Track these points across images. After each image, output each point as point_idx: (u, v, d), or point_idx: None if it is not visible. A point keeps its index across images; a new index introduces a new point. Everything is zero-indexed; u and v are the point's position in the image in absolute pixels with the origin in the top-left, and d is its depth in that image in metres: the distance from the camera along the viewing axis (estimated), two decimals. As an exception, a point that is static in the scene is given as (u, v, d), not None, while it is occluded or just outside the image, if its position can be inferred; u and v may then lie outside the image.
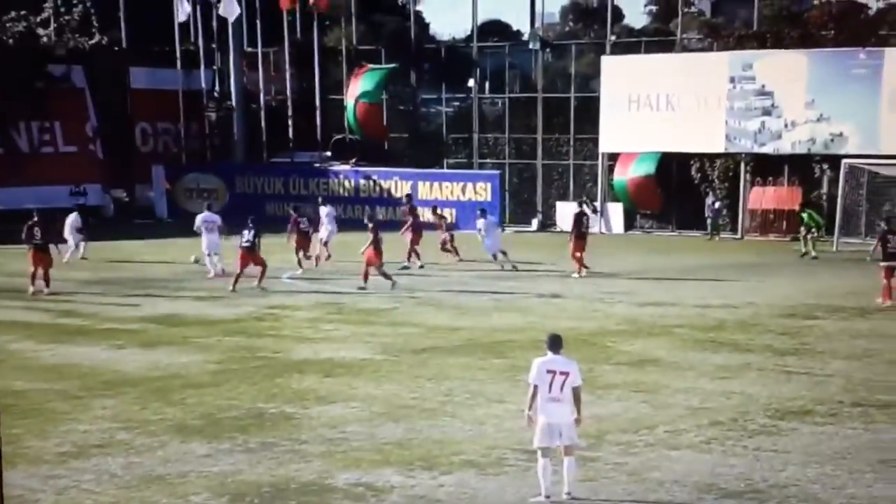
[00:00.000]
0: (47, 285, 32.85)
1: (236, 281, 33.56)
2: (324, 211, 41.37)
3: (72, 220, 41.46)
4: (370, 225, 33.94)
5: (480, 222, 39.12)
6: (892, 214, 40.09)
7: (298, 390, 20.49)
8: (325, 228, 40.47)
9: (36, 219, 33.41)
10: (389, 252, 34.73)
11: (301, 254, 38.34)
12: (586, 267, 37.01)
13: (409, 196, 46.27)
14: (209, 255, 37.10)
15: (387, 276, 33.41)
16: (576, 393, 14.26)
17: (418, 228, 40.16)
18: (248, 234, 33.73)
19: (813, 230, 43.93)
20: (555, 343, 14.48)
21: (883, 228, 33.40)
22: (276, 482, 15.01)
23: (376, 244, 33.42)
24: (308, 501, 14.28)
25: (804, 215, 44.48)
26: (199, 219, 37.82)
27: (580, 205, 41.05)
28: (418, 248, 39.27)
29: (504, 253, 38.51)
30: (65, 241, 37.28)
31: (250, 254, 33.73)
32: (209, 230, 37.02)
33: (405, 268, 37.72)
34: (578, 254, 37.13)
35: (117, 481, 15.05)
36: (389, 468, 15.62)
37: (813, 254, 42.71)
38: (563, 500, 14.21)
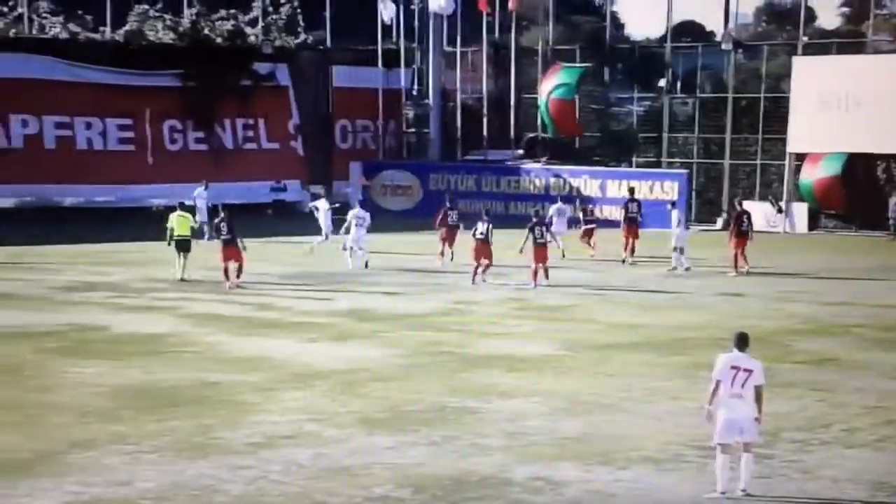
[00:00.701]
0: (238, 276, 33.04)
1: (475, 273, 33.89)
2: (554, 208, 41.53)
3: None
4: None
5: (675, 214, 38.54)
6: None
7: (481, 385, 20.58)
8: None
9: (223, 215, 33.86)
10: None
11: (445, 246, 38.74)
12: (744, 266, 36.61)
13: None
14: (353, 248, 37.58)
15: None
16: (758, 391, 14.12)
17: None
18: (481, 227, 34.19)
19: None
20: (741, 341, 14.38)
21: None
22: (457, 475, 15.08)
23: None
24: (487, 494, 14.33)
25: None
26: (350, 214, 38.31)
27: (740, 204, 40.63)
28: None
29: (682, 251, 37.98)
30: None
31: (484, 246, 34.08)
32: (359, 225, 37.61)
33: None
34: (735, 252, 36.85)
35: (304, 472, 15.23)
36: (567, 462, 15.63)
37: None
38: (739, 497, 14.09)
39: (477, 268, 34.07)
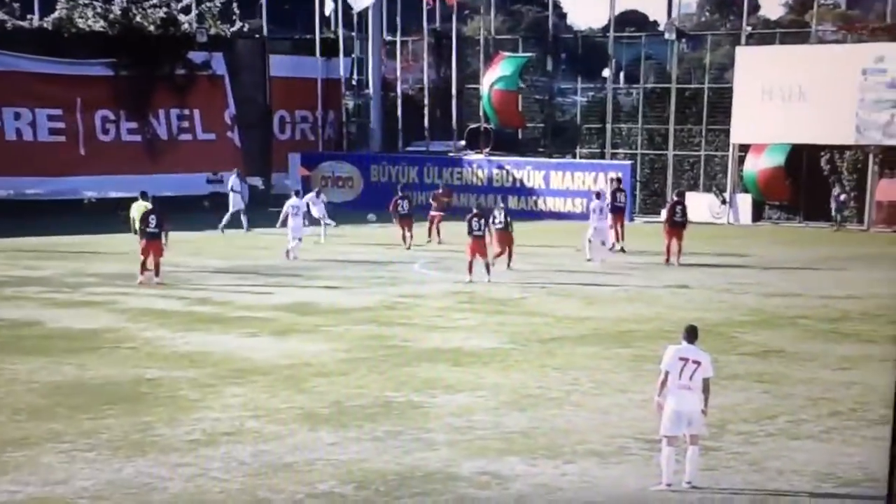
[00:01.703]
0: (156, 274, 32.49)
1: (489, 265, 33.64)
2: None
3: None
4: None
5: (594, 203, 38.61)
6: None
7: (426, 379, 20.63)
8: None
9: (151, 207, 33.62)
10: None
11: (405, 231, 40.54)
12: (674, 257, 37.21)
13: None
14: (292, 238, 37.95)
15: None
16: (705, 384, 14.32)
17: None
18: (499, 216, 34.88)
19: None
20: (691, 333, 14.63)
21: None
22: (402, 470, 15.18)
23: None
24: (433, 489, 14.43)
25: None
26: (287, 204, 38.74)
27: (677, 195, 41.21)
28: None
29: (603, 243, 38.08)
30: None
31: (505, 234, 34.93)
32: (294, 215, 37.96)
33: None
34: (668, 242, 37.41)
35: (245, 469, 15.24)
36: (514, 457, 15.76)
37: None
38: (684, 489, 14.27)
39: (497, 256, 34.48)
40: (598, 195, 39.43)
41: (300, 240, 38.01)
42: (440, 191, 45.80)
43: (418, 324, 26.60)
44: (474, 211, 34.18)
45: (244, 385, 20.20)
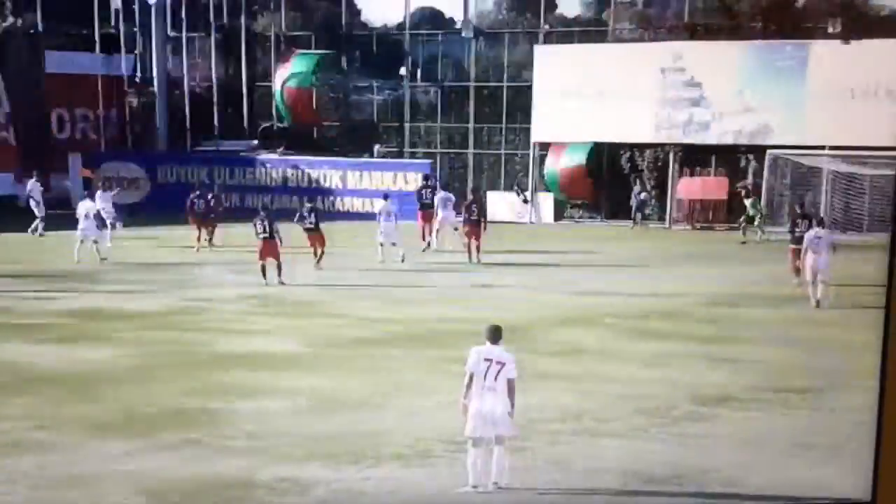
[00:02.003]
0: None
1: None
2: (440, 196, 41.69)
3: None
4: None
5: (381, 205, 38.67)
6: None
7: (222, 384, 20.35)
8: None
9: None
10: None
11: (201, 232, 40.37)
12: (475, 255, 37.71)
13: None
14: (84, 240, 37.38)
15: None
16: (510, 385, 14.38)
17: None
18: (309, 217, 35.31)
19: (756, 218, 45.21)
20: (494, 334, 14.69)
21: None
22: (198, 479, 14.96)
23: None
24: (231, 497, 14.29)
25: (748, 202, 46.50)
26: (80, 207, 38.08)
27: (473, 192, 42.18)
28: None
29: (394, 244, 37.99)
30: None
31: (315, 234, 35.47)
32: (86, 217, 37.33)
33: None
34: (468, 241, 37.94)
35: (30, 481, 14.86)
36: (315, 462, 15.64)
37: (757, 238, 44.56)
38: (491, 491, 14.34)
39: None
40: (386, 196, 39.73)
41: (96, 241, 37.26)
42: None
43: (213, 328, 26.22)
44: (261, 213, 33.98)
45: (29, 395, 19.65)
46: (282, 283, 32.28)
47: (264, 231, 32.80)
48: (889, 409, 3.80)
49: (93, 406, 18.90)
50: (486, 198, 44.30)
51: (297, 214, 36.33)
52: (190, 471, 15.32)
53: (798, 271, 31.31)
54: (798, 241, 31.77)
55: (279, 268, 32.73)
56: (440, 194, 41.69)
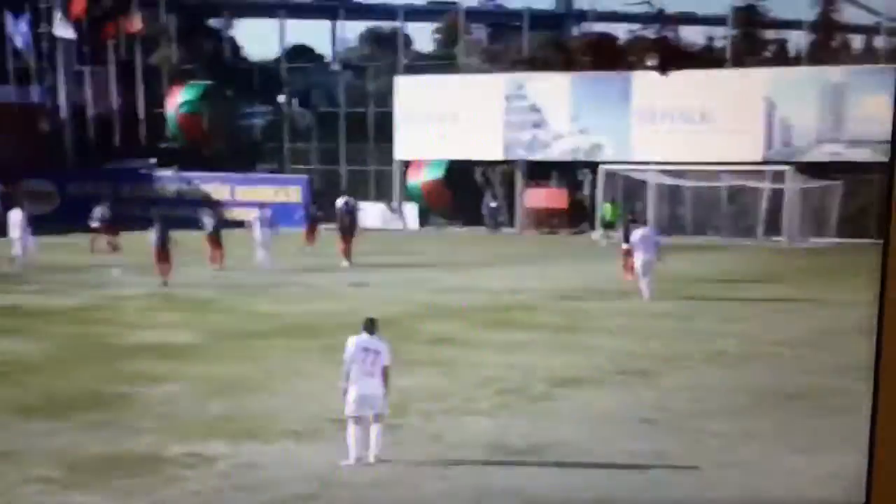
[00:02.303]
0: None
1: None
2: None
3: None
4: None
5: (257, 214, 37.99)
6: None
7: (132, 372, 19.88)
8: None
9: None
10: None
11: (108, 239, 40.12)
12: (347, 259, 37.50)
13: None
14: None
15: None
16: (385, 371, 14.24)
17: None
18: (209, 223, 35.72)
19: (616, 222, 45.70)
20: (370, 325, 14.50)
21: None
22: (113, 454, 14.59)
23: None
24: (143, 470, 13.90)
25: (608, 206, 47.58)
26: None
27: (345, 203, 41.59)
28: None
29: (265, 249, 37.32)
30: None
31: (215, 240, 35.57)
32: (14, 225, 36.71)
33: None
34: (343, 246, 37.90)
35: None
36: (217, 440, 15.28)
37: (604, 243, 44.66)
38: (371, 463, 14.16)
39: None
40: (261, 206, 39.59)
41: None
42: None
43: (122, 322, 25.72)
44: (155, 224, 33.28)
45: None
46: (164, 284, 31.74)
47: (158, 240, 32.26)
48: (883, 409, 3.54)
49: (17, 391, 18.43)
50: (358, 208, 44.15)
51: (201, 223, 35.83)
52: (105, 447, 14.93)
53: (631, 269, 31.52)
54: (629, 242, 32.08)
55: (169, 271, 32.21)
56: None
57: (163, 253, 32.20)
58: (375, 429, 14.30)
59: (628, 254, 31.92)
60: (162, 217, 34.84)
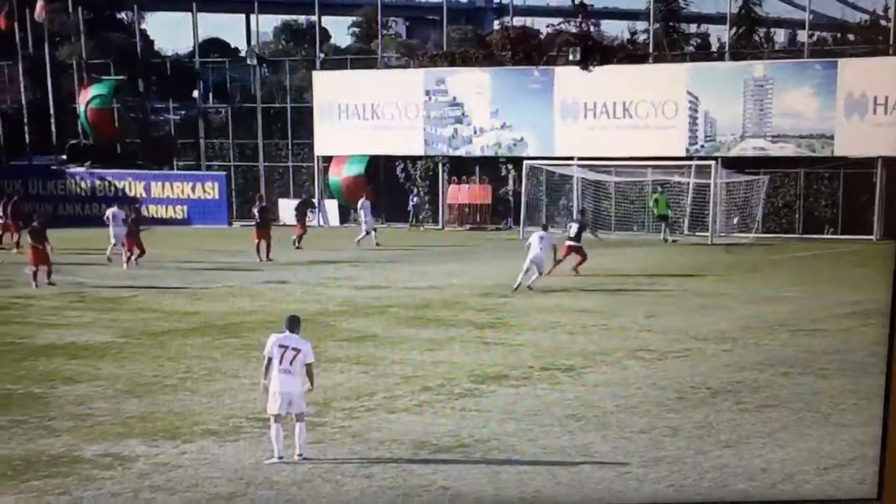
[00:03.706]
0: None
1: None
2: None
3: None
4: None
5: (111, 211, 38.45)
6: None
7: (45, 372, 19.68)
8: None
9: None
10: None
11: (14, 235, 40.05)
12: (264, 256, 37.65)
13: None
14: None
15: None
16: (308, 369, 14.29)
17: None
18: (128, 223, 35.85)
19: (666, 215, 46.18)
20: (292, 323, 14.53)
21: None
22: (27, 456, 14.43)
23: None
24: (59, 472, 13.76)
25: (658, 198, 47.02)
26: None
27: (260, 199, 41.47)
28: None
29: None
30: None
31: (133, 238, 35.39)
32: None
33: None
34: (257, 243, 38.00)
35: None
36: (134, 439, 15.18)
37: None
38: (296, 461, 14.14)
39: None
40: (118, 205, 40.00)
41: None
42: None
43: (33, 322, 25.41)
44: (34, 223, 32.77)
45: None
46: (51, 284, 31.36)
47: (33, 238, 31.89)
48: (894, 408, 3.62)
49: (-74, 392, 18.16)
50: (276, 205, 44.04)
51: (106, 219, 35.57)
52: (20, 448, 14.79)
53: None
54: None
55: (49, 272, 31.77)
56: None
57: (37, 254, 31.66)
58: (298, 427, 14.29)
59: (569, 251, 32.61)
60: (43, 214, 34.29)
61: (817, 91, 46.28)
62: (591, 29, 56.86)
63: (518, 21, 58.61)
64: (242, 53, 63.27)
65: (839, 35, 55.27)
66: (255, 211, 39.39)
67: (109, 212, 38.54)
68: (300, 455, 14.24)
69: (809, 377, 19.25)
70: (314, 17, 60.12)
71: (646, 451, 14.68)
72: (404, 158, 54.18)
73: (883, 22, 51.72)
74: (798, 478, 13.59)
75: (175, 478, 13.70)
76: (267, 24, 79.43)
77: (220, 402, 17.44)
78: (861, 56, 48.14)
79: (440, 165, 53.44)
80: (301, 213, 43.70)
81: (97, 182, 55.84)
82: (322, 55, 58.91)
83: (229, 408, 17.01)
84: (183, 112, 62.49)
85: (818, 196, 47.85)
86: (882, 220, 46.29)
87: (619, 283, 31.88)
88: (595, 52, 51.05)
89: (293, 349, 14.22)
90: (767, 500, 13.14)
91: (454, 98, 52.44)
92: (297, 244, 41.08)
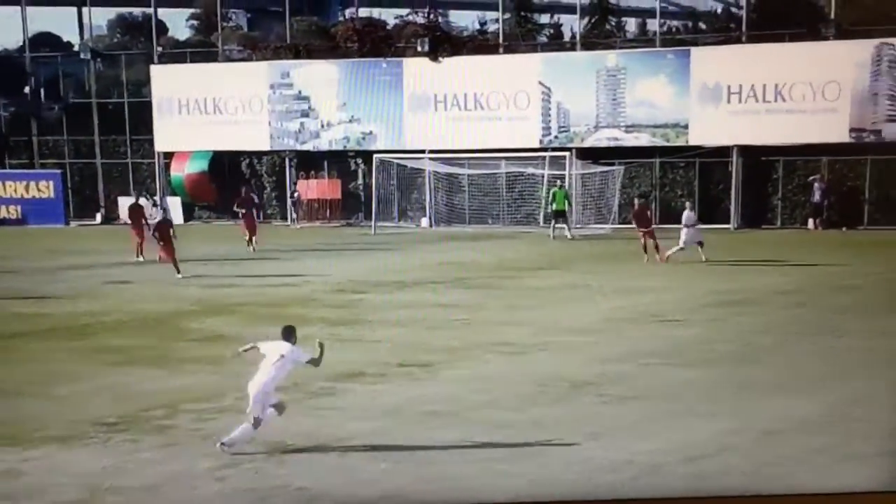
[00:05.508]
0: None
1: None
2: None
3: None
4: None
5: None
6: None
7: None
8: None
9: None
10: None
11: None
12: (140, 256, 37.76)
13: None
14: None
15: None
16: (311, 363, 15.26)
17: None
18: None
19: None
20: (286, 332, 15.33)
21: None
22: None
23: None
24: None
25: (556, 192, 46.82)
26: None
27: (138, 196, 41.01)
28: None
29: None
30: None
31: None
32: None
33: None
34: (137, 241, 38.13)
35: None
36: (-26, 448, 14.80)
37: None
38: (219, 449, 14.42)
39: None
40: None
41: None
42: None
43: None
44: None
45: None
46: None
47: None
48: None
49: None
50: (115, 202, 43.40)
51: None
52: None
53: None
54: None
55: None
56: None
57: None
58: (268, 412, 14.80)
59: None
60: None
61: (671, 80, 47.17)
62: (440, 20, 57.14)
63: (364, 12, 58.50)
64: (76, 48, 62.18)
65: (691, 24, 56.32)
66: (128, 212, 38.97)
67: None
68: (222, 444, 14.44)
69: (675, 368, 19.53)
70: (150, 10, 59.35)
71: (510, 447, 14.74)
72: (249, 154, 53.93)
73: (734, 9, 52.92)
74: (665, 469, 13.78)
75: (18, 486, 13.41)
76: (101, 17, 78.02)
77: (64, 408, 17.05)
78: (714, 45, 49.18)
79: (287, 160, 53.26)
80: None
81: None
82: (160, 49, 58.35)
83: (73, 412, 16.65)
84: (13, 109, 61.32)
85: (674, 185, 48.76)
86: (738, 209, 47.37)
87: (479, 276, 32.07)
88: (444, 43, 51.37)
89: (280, 355, 14.84)
90: (762, 493, 13.25)
91: (300, 91, 52.39)
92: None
